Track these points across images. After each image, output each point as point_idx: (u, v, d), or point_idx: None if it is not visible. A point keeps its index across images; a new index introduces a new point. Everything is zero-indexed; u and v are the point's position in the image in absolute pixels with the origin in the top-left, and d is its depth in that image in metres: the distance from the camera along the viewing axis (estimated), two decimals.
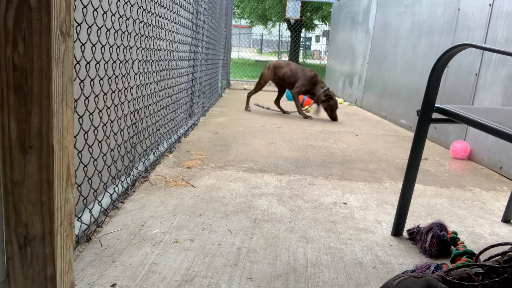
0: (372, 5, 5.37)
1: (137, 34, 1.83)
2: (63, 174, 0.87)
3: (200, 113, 3.88)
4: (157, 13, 2.12)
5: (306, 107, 4.85)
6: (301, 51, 21.12)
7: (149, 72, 2.08)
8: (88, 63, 1.31)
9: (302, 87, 4.34)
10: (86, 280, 1.12)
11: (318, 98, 4.32)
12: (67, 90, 0.86)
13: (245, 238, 1.43)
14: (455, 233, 1.42)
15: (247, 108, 4.72)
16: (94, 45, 1.36)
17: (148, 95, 2.11)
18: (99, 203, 1.46)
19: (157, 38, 2.16)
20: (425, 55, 3.75)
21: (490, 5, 2.81)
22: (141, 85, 1.96)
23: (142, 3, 1.86)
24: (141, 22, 1.86)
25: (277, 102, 4.75)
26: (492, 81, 2.71)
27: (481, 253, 1.08)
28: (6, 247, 0.85)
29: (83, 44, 1.25)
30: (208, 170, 2.22)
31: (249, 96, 4.81)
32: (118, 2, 1.58)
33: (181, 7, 2.78)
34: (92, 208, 1.41)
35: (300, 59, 20.25)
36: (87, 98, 1.32)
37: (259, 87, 4.70)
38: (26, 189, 0.83)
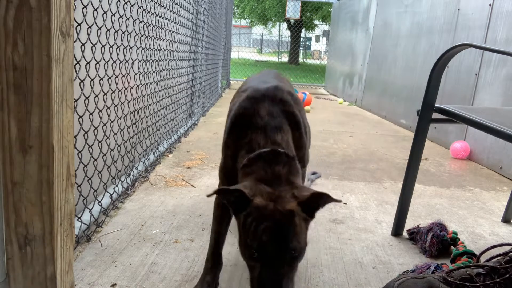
0: (372, 5, 5.37)
1: (137, 34, 1.82)
2: (63, 174, 0.86)
3: (200, 113, 3.87)
4: (157, 13, 2.12)
5: (305, 107, 4.85)
6: (301, 51, 21.11)
7: (149, 72, 2.07)
8: (88, 63, 1.31)
9: None
10: (86, 280, 1.12)
11: None
12: (67, 90, 0.86)
13: None
14: (455, 233, 1.42)
15: None
16: (94, 45, 1.36)
17: (148, 95, 2.10)
18: (99, 203, 1.46)
19: (157, 38, 2.16)
20: (425, 55, 3.75)
21: (490, 5, 2.81)
22: (141, 85, 1.96)
23: (142, 3, 1.86)
24: (141, 22, 1.86)
25: None
26: (492, 81, 2.71)
27: (482, 253, 1.08)
28: (6, 247, 0.85)
29: (83, 44, 1.25)
30: (208, 170, 2.21)
31: None
32: (118, 2, 1.58)
33: (181, 7, 2.78)
34: (92, 208, 1.41)
35: (300, 59, 20.24)
36: (87, 98, 1.32)
37: None
38: (26, 189, 0.83)
